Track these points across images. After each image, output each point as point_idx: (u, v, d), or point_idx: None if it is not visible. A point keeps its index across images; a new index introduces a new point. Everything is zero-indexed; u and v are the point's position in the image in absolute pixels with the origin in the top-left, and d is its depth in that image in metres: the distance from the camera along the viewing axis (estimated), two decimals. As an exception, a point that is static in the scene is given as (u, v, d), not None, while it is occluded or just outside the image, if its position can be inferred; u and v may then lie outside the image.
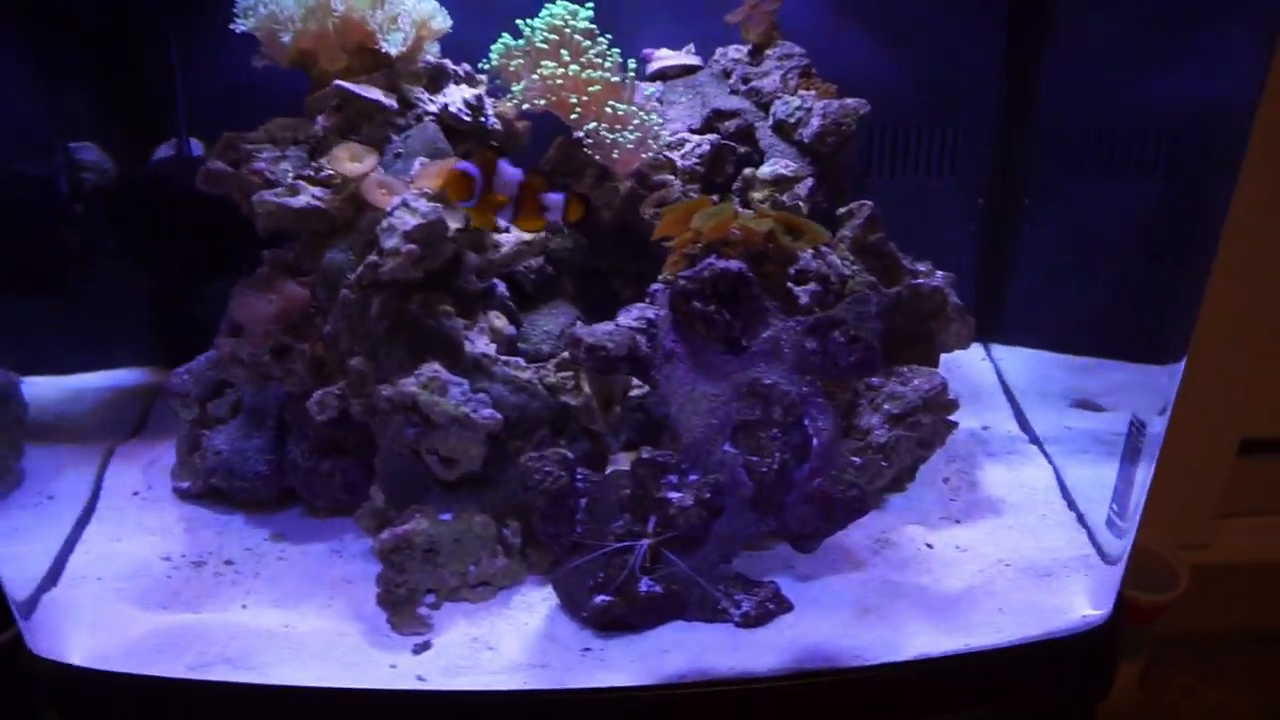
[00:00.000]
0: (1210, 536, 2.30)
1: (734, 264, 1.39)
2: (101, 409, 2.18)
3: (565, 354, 1.55)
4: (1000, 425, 2.03)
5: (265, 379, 1.59)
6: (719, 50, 2.07)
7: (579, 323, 1.84)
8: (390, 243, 1.44)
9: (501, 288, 1.75)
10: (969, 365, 2.26)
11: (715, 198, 1.67)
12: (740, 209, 1.49)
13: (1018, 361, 2.28)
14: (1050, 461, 1.87)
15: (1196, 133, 1.89)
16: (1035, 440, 1.95)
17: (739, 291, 1.40)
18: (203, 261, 1.94)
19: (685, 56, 2.13)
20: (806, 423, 1.35)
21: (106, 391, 2.25)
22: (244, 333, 1.55)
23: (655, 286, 1.57)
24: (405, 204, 1.46)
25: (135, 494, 1.82)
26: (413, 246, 1.43)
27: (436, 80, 1.80)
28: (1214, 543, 2.31)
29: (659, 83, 2.09)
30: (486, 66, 1.86)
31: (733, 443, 1.34)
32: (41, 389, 2.18)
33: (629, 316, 1.46)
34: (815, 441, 1.31)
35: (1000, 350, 2.34)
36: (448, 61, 1.83)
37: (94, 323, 2.26)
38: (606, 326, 1.43)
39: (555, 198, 1.49)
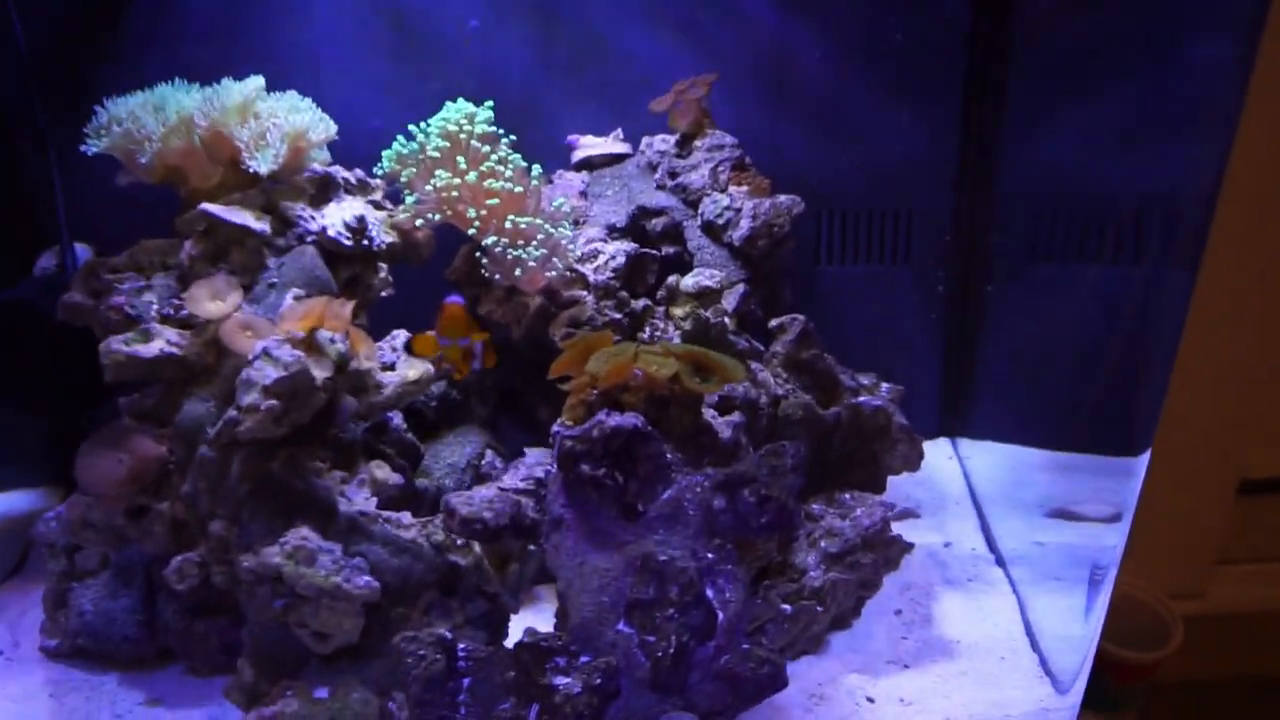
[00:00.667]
0: (1207, 584, 2.20)
1: (628, 420, 1.31)
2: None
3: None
4: (964, 541, 1.94)
5: (121, 540, 1.50)
6: (645, 140, 2.01)
7: (489, 451, 1.76)
8: (248, 398, 1.36)
9: (397, 419, 1.67)
10: (934, 466, 2.17)
11: (617, 337, 1.59)
12: (644, 344, 1.41)
13: (988, 459, 2.19)
14: (1015, 590, 1.78)
15: (1160, 213, 1.83)
16: (1001, 561, 1.86)
17: (635, 449, 1.32)
18: (92, 380, 1.86)
19: (612, 143, 2.07)
20: (710, 594, 1.27)
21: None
22: (96, 495, 1.46)
23: (556, 427, 1.48)
24: (266, 353, 1.38)
25: (0, 654, 1.74)
26: (273, 402, 1.35)
27: (325, 191, 1.73)
28: (1210, 590, 2.20)
29: (584, 173, 2.03)
30: (379, 171, 1.79)
31: (626, 622, 1.26)
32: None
33: (516, 475, 1.38)
34: (720, 616, 1.22)
35: (969, 446, 2.26)
36: (337, 170, 1.76)
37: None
38: (487, 492, 1.35)
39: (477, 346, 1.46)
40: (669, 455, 1.34)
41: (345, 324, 1.44)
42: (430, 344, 1.55)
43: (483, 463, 1.72)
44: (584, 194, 1.98)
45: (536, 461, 1.41)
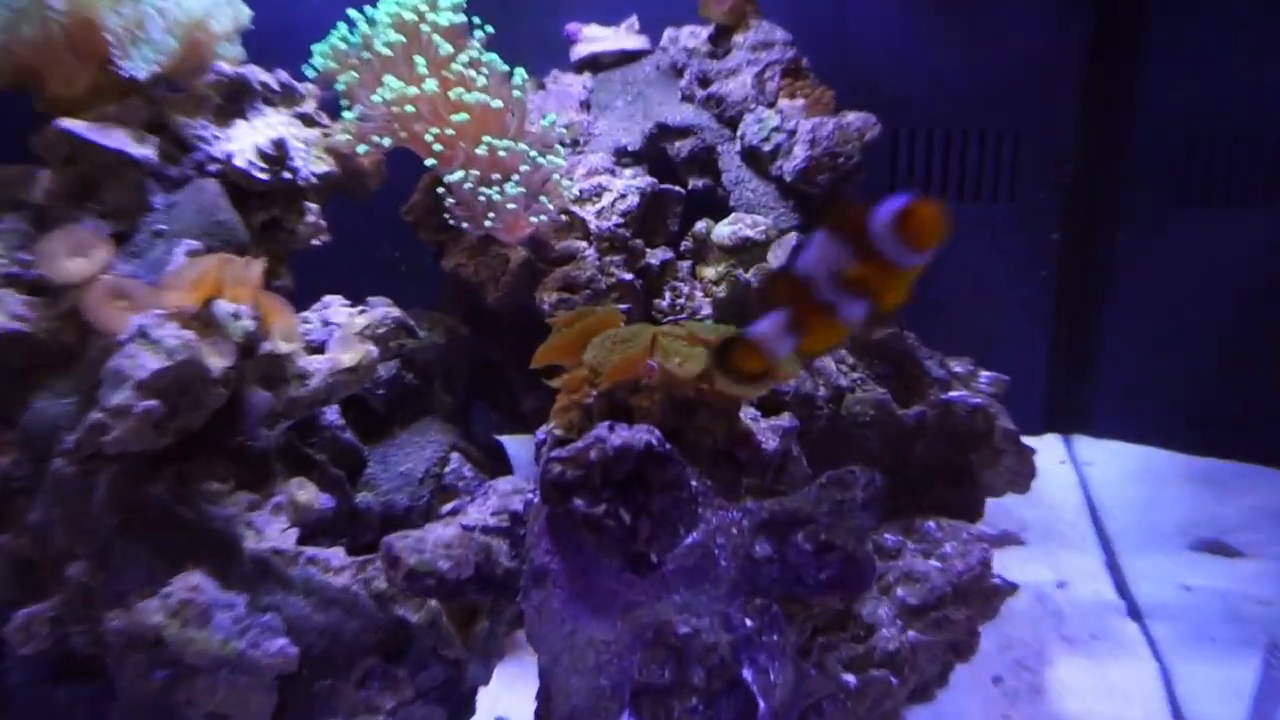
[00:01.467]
0: None
1: (638, 436, 1.12)
2: None
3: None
4: (1084, 581, 1.78)
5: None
6: (668, 33, 1.80)
7: (455, 455, 1.59)
8: (118, 397, 1.18)
9: (331, 414, 1.50)
10: (1042, 472, 1.99)
11: (625, 306, 1.40)
12: (664, 327, 1.22)
13: (1114, 466, 2.02)
14: (1155, 654, 1.61)
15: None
16: (1135, 612, 1.69)
17: (647, 476, 1.14)
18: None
19: (625, 36, 1.88)
20: (749, 676, 1.10)
21: None
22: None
23: (541, 434, 1.31)
24: (143, 334, 1.21)
25: None
26: (152, 403, 1.18)
27: (236, 101, 1.54)
28: None
29: (587, 76, 1.84)
30: (310, 73, 1.59)
31: (633, 712, 1.09)
32: None
33: (483, 507, 1.20)
34: (762, 706, 1.07)
35: (1088, 447, 2.09)
36: (253, 72, 1.57)
37: None
38: (444, 532, 1.17)
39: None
40: (695, 483, 1.15)
41: (254, 291, 1.27)
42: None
43: (446, 471, 1.55)
44: (586, 105, 1.80)
45: (513, 488, 1.23)
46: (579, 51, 1.86)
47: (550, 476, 1.12)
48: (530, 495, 1.22)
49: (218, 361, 1.22)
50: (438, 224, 1.65)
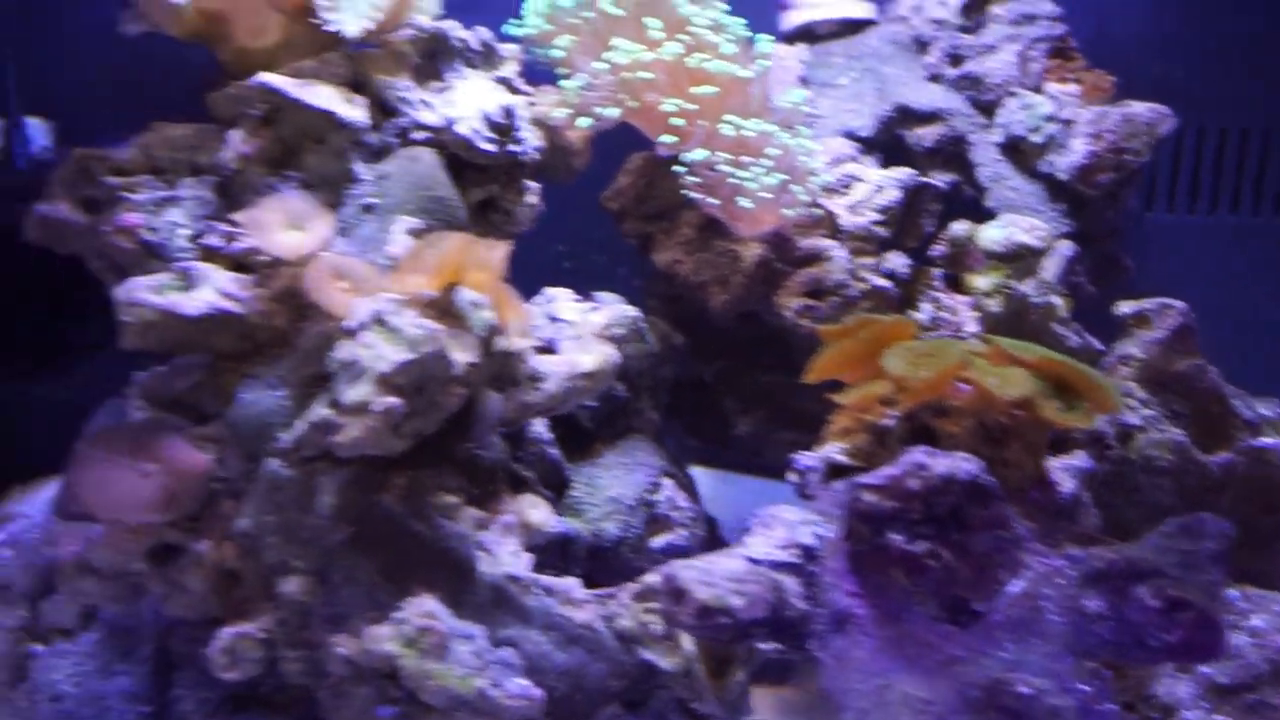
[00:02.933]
0: None
1: (963, 466, 1.18)
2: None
3: (651, 579, 1.36)
4: None
5: (136, 592, 1.41)
6: (905, 2, 1.86)
7: (666, 478, 1.66)
8: (355, 392, 1.26)
9: (539, 427, 1.57)
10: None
11: (931, 314, 1.46)
12: (970, 345, 1.28)
13: None
14: None
15: None
16: None
17: (969, 514, 1.19)
18: (34, 339, 1.79)
19: (849, 2, 1.95)
20: (1085, 752, 1.15)
21: None
22: (103, 524, 1.37)
23: (804, 461, 1.37)
24: (381, 321, 1.28)
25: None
26: (394, 401, 1.25)
27: (433, 61, 1.62)
28: None
29: (801, 47, 1.90)
30: (518, 32, 1.67)
31: (954, 783, 1.15)
32: None
33: (768, 539, 1.26)
34: (1100, 782, 1.10)
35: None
36: (450, 27, 1.64)
37: None
38: (731, 565, 1.23)
39: None
40: (1018, 525, 1.21)
41: (494, 278, 1.33)
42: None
43: (659, 499, 1.62)
44: (803, 80, 1.85)
45: (800, 519, 1.29)
46: (791, 20, 1.93)
47: (861, 507, 1.18)
48: (818, 529, 1.28)
49: (461, 356, 1.29)
50: (646, 213, 1.72)
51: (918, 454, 1.19)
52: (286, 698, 1.50)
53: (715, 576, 1.21)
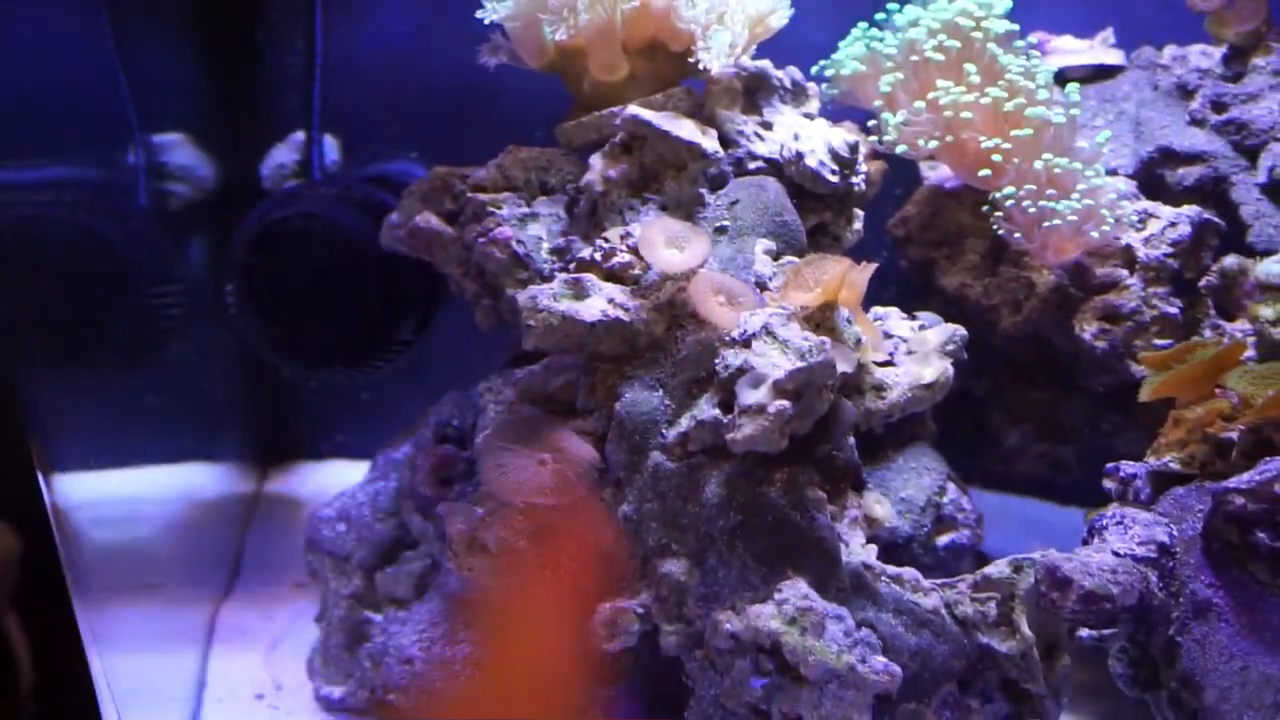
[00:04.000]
0: None
1: (1322, 474, 1.30)
2: (173, 534, 2.19)
3: (990, 570, 1.47)
4: None
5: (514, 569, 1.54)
6: (1169, 51, 1.99)
7: (950, 482, 1.77)
8: (753, 395, 1.38)
9: (846, 432, 1.69)
10: None
11: (1240, 340, 1.57)
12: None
13: None
14: None
15: None
16: None
17: (1320, 516, 1.31)
18: (357, 333, 1.92)
19: (1100, 50, 2.06)
20: None
21: (176, 505, 2.25)
22: (491, 506, 1.50)
23: (1129, 469, 1.49)
24: (769, 332, 1.40)
25: (259, 697, 1.82)
26: (785, 404, 1.37)
27: (752, 96, 1.75)
28: None
29: (1073, 87, 2.00)
30: (828, 72, 1.80)
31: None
32: (83, 496, 2.19)
33: (1125, 536, 1.38)
34: None
35: None
36: (768, 66, 1.77)
37: (158, 399, 2.27)
38: (1103, 558, 1.35)
39: None
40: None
41: (859, 297, 1.46)
42: None
43: (945, 501, 1.73)
44: (1070, 121, 1.96)
45: (1153, 519, 1.41)
46: (1046, 65, 2.03)
47: (1229, 508, 1.30)
48: (1169, 528, 1.39)
49: (841, 366, 1.41)
50: (931, 239, 1.84)
51: (1276, 461, 1.31)
52: (616, 669, 1.62)
53: (1093, 568, 1.33)
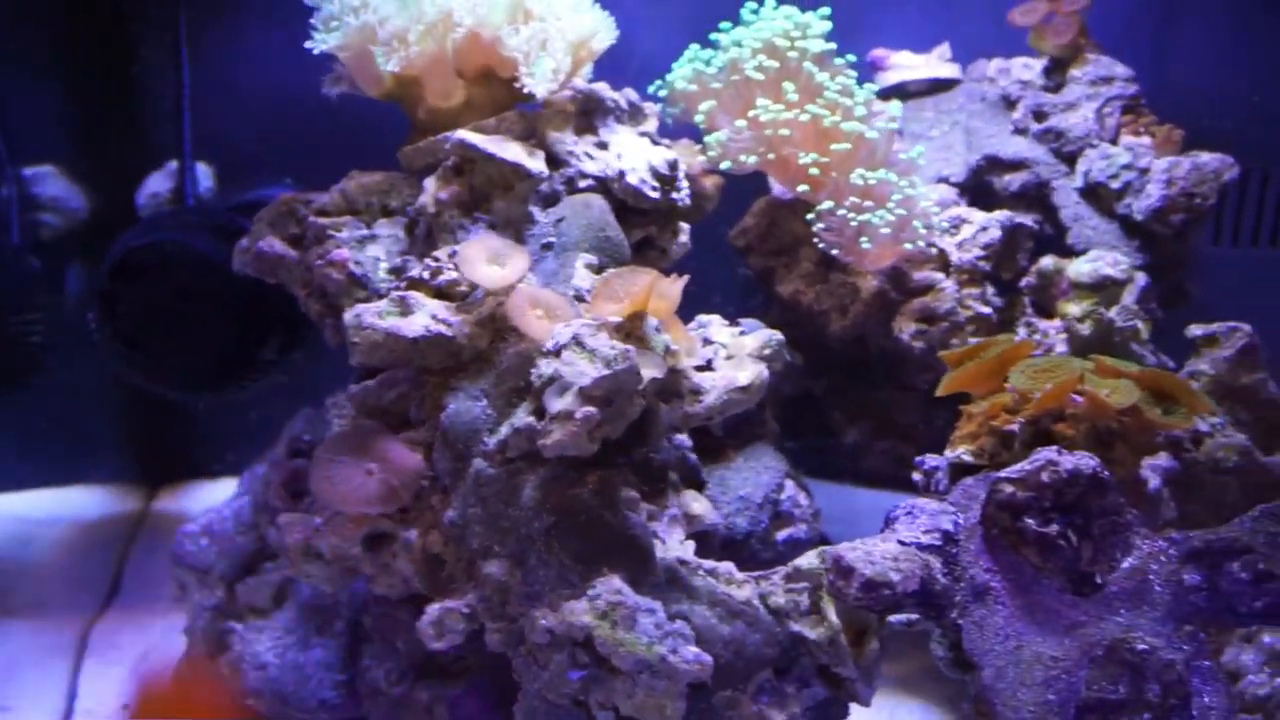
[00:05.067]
0: None
1: (1085, 462, 1.37)
2: (60, 555, 2.24)
3: (800, 562, 1.54)
4: None
5: (350, 575, 1.60)
6: (995, 64, 2.07)
7: (788, 480, 1.84)
8: (559, 403, 1.44)
9: (680, 435, 1.75)
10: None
11: (1025, 337, 1.65)
12: (1081, 361, 1.48)
13: None
14: None
15: None
16: None
17: (1090, 503, 1.38)
18: (219, 355, 1.97)
19: (936, 64, 2.14)
20: (1192, 701, 1.33)
21: (64, 526, 2.31)
22: (324, 515, 1.56)
23: (932, 461, 1.56)
24: (578, 342, 1.47)
25: (125, 707, 1.87)
26: (591, 410, 1.43)
27: (588, 117, 1.81)
28: None
29: (895, 104, 2.08)
30: (662, 93, 1.87)
31: (1078, 729, 1.33)
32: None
33: (913, 525, 1.45)
34: (1202, 730, 1.28)
35: None
36: (602, 88, 1.84)
37: (44, 423, 2.33)
38: (886, 546, 1.42)
39: None
40: (1128, 513, 1.40)
41: (671, 307, 1.52)
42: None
43: (783, 498, 1.80)
44: (900, 133, 2.04)
45: (940, 510, 1.48)
46: (886, 79, 2.12)
47: (1000, 496, 1.37)
48: (955, 517, 1.47)
49: (648, 373, 1.48)
50: (769, 249, 1.92)
51: (1048, 452, 1.38)
52: (462, 667, 1.69)
53: (875, 556, 1.40)
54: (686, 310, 1.71)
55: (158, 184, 2.22)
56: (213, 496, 2.47)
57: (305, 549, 1.58)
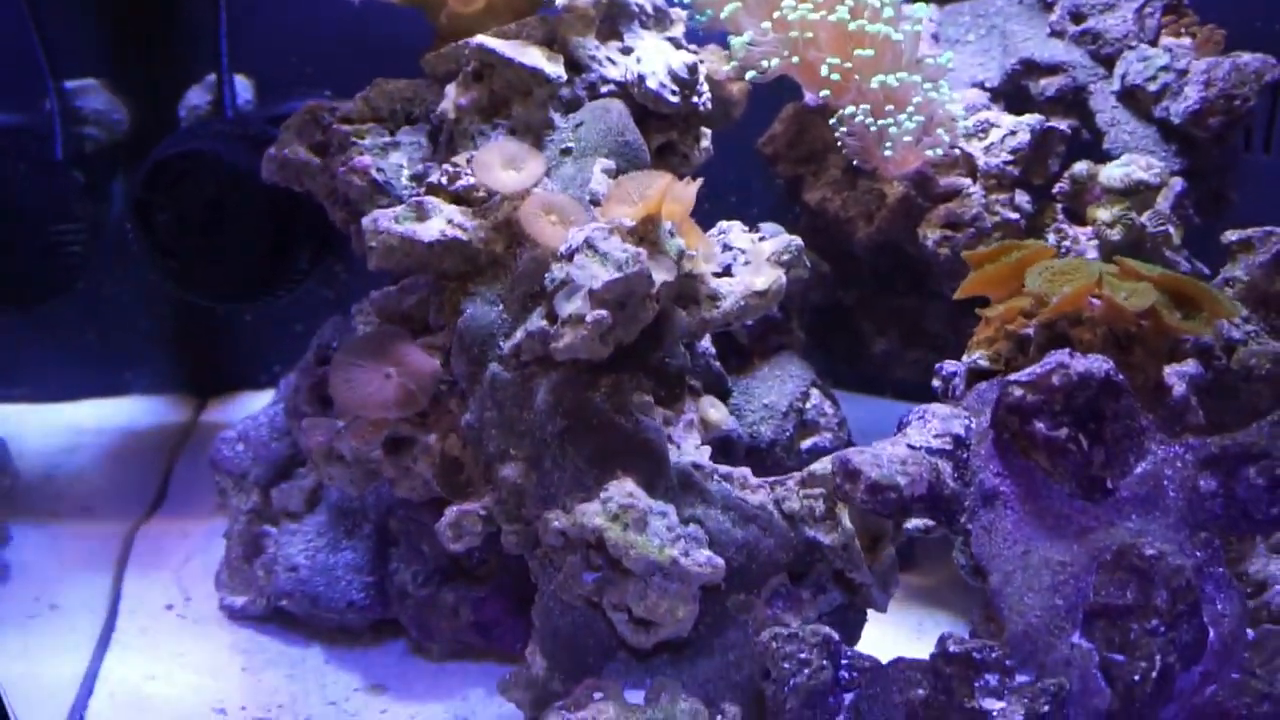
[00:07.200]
0: None
1: (1097, 365, 1.35)
2: (108, 464, 2.30)
3: (815, 467, 1.53)
4: None
5: (371, 477, 1.62)
6: (1033, -37, 2.00)
7: (814, 388, 1.83)
8: (569, 306, 1.44)
9: (704, 342, 1.75)
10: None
11: (1055, 243, 1.62)
12: (1102, 264, 1.44)
13: None
14: None
15: None
16: None
17: (1102, 406, 1.36)
18: (252, 264, 1.99)
19: (975, -34, 2.07)
20: (1202, 608, 1.31)
21: (113, 435, 2.35)
22: (346, 419, 1.58)
23: (950, 367, 1.54)
24: (590, 246, 1.46)
25: (169, 608, 1.92)
26: (602, 313, 1.43)
27: (612, 23, 1.79)
28: None
29: (932, 6, 2.03)
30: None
31: (1085, 633, 1.31)
32: (25, 428, 2.31)
33: (924, 429, 1.43)
34: (1212, 634, 1.27)
35: None
36: (628, -9, 1.81)
37: (95, 335, 2.37)
38: (895, 450, 1.41)
39: None
40: (1142, 418, 1.37)
41: (685, 210, 1.51)
42: None
43: (808, 406, 1.79)
44: (935, 38, 1.99)
45: (951, 413, 1.46)
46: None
47: (1010, 400, 1.35)
48: (966, 421, 1.45)
49: (660, 276, 1.47)
50: (797, 156, 1.88)
51: (1060, 355, 1.35)
52: (486, 570, 1.71)
53: (883, 459, 1.39)
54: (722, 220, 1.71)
55: (198, 97, 2.24)
56: (259, 407, 2.51)
57: (328, 452, 1.60)
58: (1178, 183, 1.76)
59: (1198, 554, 1.34)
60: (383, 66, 1.83)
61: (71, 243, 1.96)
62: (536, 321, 1.48)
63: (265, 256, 1.93)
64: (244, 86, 2.25)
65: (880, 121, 1.65)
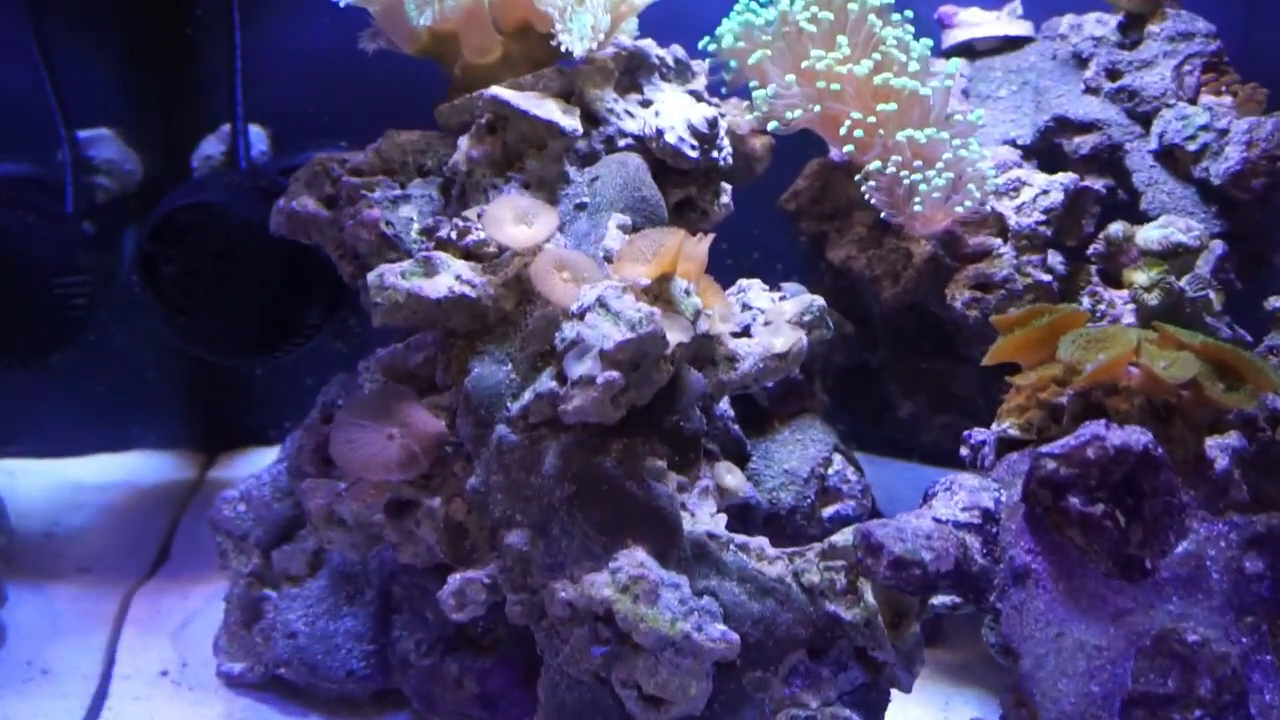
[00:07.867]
0: None
1: (1136, 438, 1.28)
2: (110, 522, 2.25)
3: (837, 539, 1.46)
4: None
5: (373, 542, 1.56)
6: (1068, 20, 1.96)
7: (837, 454, 1.76)
8: (580, 367, 1.38)
9: (723, 405, 1.69)
10: None
11: (1089, 307, 1.56)
12: (1142, 331, 1.38)
13: None
14: None
15: None
16: None
17: (1140, 481, 1.29)
18: (260, 319, 1.94)
19: (1007, 22, 2.04)
20: (1249, 698, 1.24)
21: (116, 492, 2.31)
22: (348, 480, 1.52)
23: (979, 436, 1.47)
24: (603, 305, 1.40)
25: (164, 674, 1.86)
26: (614, 374, 1.37)
27: (632, 75, 1.76)
28: None
29: (962, 63, 1.99)
30: (710, 49, 1.80)
31: (1124, 724, 1.24)
32: (26, 484, 2.26)
33: (950, 501, 1.37)
34: (1260, 728, 1.18)
35: None
36: (648, 45, 1.77)
37: (101, 388, 2.33)
38: (920, 524, 1.34)
39: None
40: (1183, 493, 1.30)
41: (699, 268, 1.45)
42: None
43: (831, 472, 1.72)
44: (965, 94, 1.95)
45: (979, 484, 1.40)
46: (954, 37, 2.02)
47: (1043, 473, 1.28)
48: (997, 495, 1.38)
49: (674, 337, 1.41)
50: (821, 213, 1.83)
51: (1095, 426, 1.29)
52: (492, 640, 1.64)
53: (907, 533, 1.32)
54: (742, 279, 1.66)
55: (211, 147, 2.21)
56: (267, 463, 2.47)
57: (328, 515, 1.55)
58: (1218, 245, 1.70)
59: (1244, 640, 1.27)
60: (399, 117, 1.79)
61: (76, 295, 1.92)
62: (546, 382, 1.43)
63: (274, 311, 1.89)
64: (259, 137, 2.22)
65: (911, 176, 1.59)
